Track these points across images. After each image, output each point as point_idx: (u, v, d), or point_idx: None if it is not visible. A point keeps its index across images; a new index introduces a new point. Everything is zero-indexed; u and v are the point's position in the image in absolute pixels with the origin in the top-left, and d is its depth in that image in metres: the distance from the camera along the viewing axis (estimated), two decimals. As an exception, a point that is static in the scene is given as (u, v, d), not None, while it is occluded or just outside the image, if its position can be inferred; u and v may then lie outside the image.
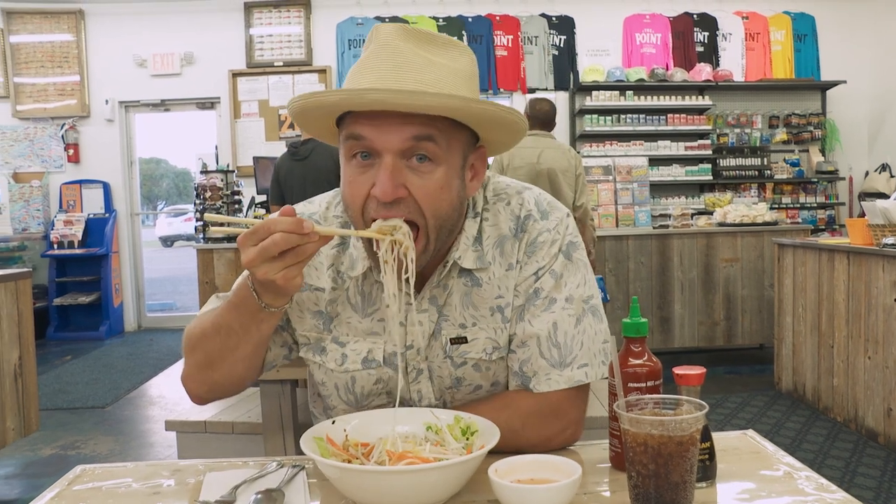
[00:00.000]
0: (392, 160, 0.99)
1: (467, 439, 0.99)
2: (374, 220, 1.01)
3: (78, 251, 7.20)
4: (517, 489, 0.86)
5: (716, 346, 5.44)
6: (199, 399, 1.17)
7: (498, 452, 0.95)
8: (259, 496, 0.91)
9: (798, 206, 7.50)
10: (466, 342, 1.14)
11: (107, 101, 7.50)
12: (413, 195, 1.01)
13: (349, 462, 0.94)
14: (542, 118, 4.40)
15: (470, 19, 7.52)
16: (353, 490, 0.89)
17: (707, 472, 0.97)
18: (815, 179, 7.56)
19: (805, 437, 3.77)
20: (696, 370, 0.99)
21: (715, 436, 1.14)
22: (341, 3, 7.53)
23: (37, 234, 7.45)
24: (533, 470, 0.92)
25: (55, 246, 7.21)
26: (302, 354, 1.21)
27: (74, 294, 7.32)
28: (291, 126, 7.56)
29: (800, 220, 7.36)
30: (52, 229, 7.27)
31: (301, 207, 1.24)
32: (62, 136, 7.52)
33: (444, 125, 1.01)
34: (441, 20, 7.51)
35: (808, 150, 7.66)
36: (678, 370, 0.99)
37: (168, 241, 22.72)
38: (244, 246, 0.94)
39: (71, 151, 7.51)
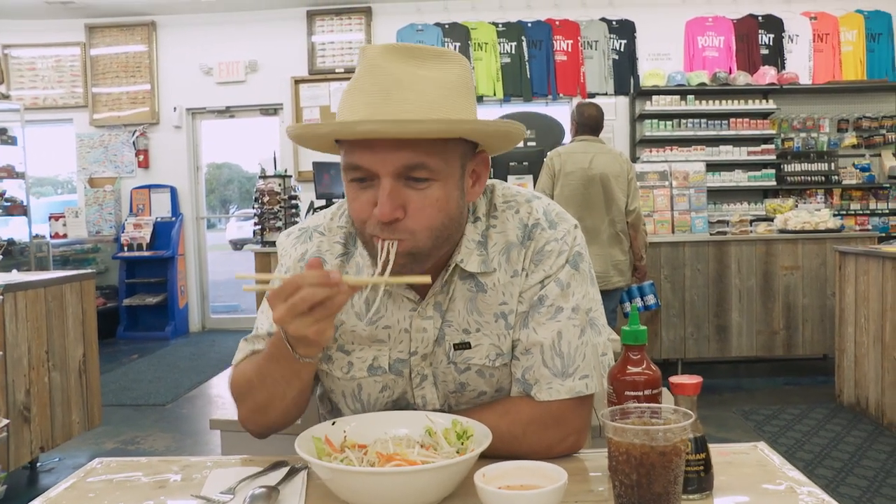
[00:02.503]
0: (390, 183, 1.01)
1: (462, 443, 1.01)
2: (377, 238, 1.04)
3: (146, 253, 7.47)
4: (501, 495, 0.87)
5: (775, 355, 5.29)
6: (261, 436, 1.22)
7: (499, 458, 0.96)
8: (255, 493, 0.95)
9: (868, 212, 7.22)
10: (470, 347, 1.15)
11: (175, 109, 7.77)
12: (409, 214, 1.03)
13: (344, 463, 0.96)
14: (591, 124, 4.36)
15: (529, 24, 7.51)
16: (344, 491, 0.92)
17: (702, 483, 0.96)
18: (888, 185, 7.26)
19: (866, 454, 3.63)
20: (692, 379, 0.98)
21: (724, 447, 1.13)
22: (401, 10, 7.62)
23: (109, 236, 7.77)
24: (521, 476, 0.93)
25: (125, 248, 7.51)
26: None
27: (142, 295, 7.60)
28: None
29: (870, 226, 7.09)
30: (123, 232, 7.57)
31: (308, 221, 1.28)
32: (133, 143, 7.83)
33: (436, 143, 1.02)
34: (500, 26, 7.52)
35: (880, 155, 7.36)
36: (674, 379, 0.98)
37: (238, 245, 23.28)
38: (274, 303, 0.95)
39: (141, 157, 7.81)
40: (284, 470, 1.05)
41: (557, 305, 1.14)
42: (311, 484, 1.01)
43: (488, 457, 0.96)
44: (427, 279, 1.01)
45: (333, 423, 1.06)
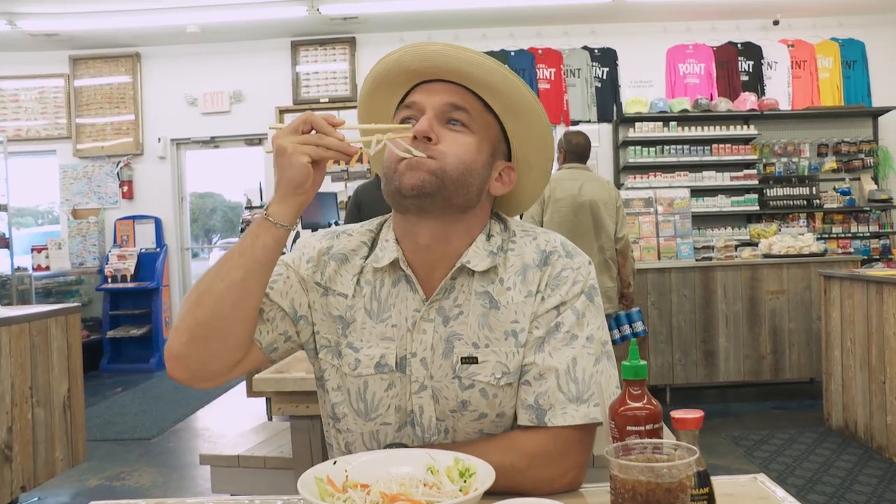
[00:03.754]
0: (432, 112, 1.14)
1: (465, 482, 1.00)
2: (403, 160, 1.13)
3: (130, 285, 7.41)
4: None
5: (762, 380, 5.31)
6: (193, 381, 1.17)
7: (499, 493, 0.96)
8: (256, 536, 0.93)
9: (850, 235, 7.31)
10: (477, 363, 1.16)
11: (159, 139, 7.76)
12: (442, 141, 1.14)
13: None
14: (579, 151, 4.42)
15: (513, 53, 7.59)
16: (347, 532, 0.91)
17: (706, 518, 0.96)
18: (868, 208, 7.36)
19: (857, 479, 3.64)
20: (694, 413, 0.98)
21: (723, 479, 1.13)
22: (385, 41, 7.67)
23: (92, 268, 7.70)
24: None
25: (109, 280, 7.44)
26: (321, 357, 1.24)
27: (126, 327, 7.52)
28: (336, 161, 7.66)
29: (852, 249, 7.17)
30: (107, 263, 7.51)
31: (337, 227, 1.33)
32: (117, 174, 7.80)
33: (479, 107, 1.17)
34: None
35: (859, 179, 7.48)
36: (676, 414, 0.98)
37: (221, 274, 23.11)
38: (287, 131, 1.09)
39: (125, 188, 7.77)
40: (284, 511, 1.04)
41: (573, 333, 1.16)
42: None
43: (490, 492, 0.95)
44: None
45: (335, 463, 1.05)
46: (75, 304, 3.77)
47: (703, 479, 0.96)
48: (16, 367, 3.16)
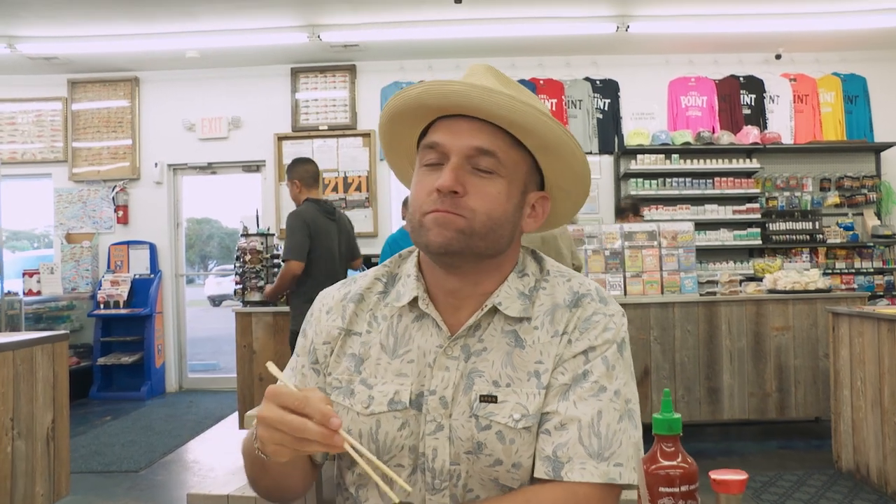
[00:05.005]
0: (458, 160, 1.07)
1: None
2: (430, 214, 1.07)
3: (123, 311, 7.28)
4: None
5: (768, 418, 5.18)
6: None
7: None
8: None
9: (853, 271, 7.22)
10: (496, 402, 1.10)
11: (156, 165, 7.68)
12: (469, 193, 1.07)
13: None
14: None
15: (513, 83, 7.54)
16: None
17: None
18: (871, 244, 7.29)
19: (869, 523, 3.50)
20: (738, 476, 0.87)
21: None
22: (385, 69, 7.65)
23: (85, 293, 7.58)
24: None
25: (101, 306, 7.31)
26: (332, 399, 1.18)
27: (118, 354, 7.38)
28: (335, 189, 7.63)
29: (855, 285, 7.08)
30: (100, 289, 7.38)
31: (350, 283, 1.28)
32: (113, 198, 7.70)
33: (509, 142, 1.09)
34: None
35: (862, 214, 7.41)
36: (716, 475, 0.87)
37: (216, 301, 22.99)
38: (269, 400, 0.95)
39: (120, 213, 7.67)
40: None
41: (602, 385, 1.10)
42: None
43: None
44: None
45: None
46: (62, 332, 3.64)
47: (748, 551, 0.85)
48: (-3, 398, 3.03)
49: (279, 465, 1.04)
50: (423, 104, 1.11)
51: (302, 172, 4.66)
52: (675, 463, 0.91)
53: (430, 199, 1.08)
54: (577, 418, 1.07)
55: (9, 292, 6.86)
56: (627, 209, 6.09)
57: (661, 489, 0.90)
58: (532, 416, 1.09)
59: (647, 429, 0.96)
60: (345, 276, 4.66)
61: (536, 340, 1.13)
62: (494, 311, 1.14)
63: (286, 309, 5.19)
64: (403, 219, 5.07)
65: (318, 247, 4.49)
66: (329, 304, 1.23)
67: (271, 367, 1.04)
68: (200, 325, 12.49)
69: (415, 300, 1.16)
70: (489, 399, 1.10)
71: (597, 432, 1.06)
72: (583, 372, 1.10)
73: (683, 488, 0.90)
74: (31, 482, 3.27)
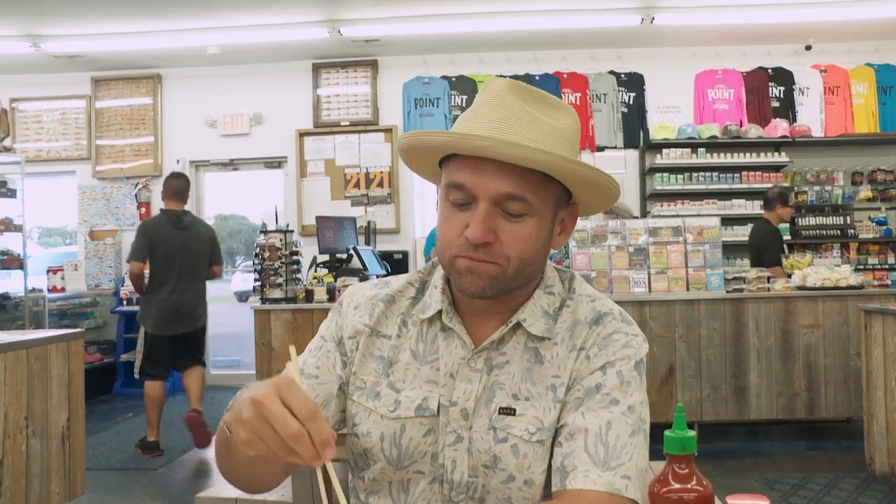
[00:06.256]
0: (487, 207, 1.03)
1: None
2: (462, 259, 1.06)
3: (145, 308, 7.28)
4: None
5: (796, 418, 5.03)
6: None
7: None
8: None
9: (886, 267, 7.02)
10: (514, 415, 1.09)
11: (178, 161, 7.69)
12: (501, 240, 1.05)
13: None
14: None
15: (537, 77, 7.45)
16: None
17: None
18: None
19: (904, 530, 3.37)
20: (757, 501, 0.79)
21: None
22: (408, 63, 7.58)
23: (108, 290, 7.61)
24: None
25: (124, 302, 7.33)
26: (355, 399, 1.16)
27: (141, 350, 7.40)
28: (357, 185, 7.58)
29: (889, 281, 6.89)
30: (122, 286, 7.40)
31: (377, 288, 1.25)
32: (135, 195, 7.73)
33: (537, 179, 1.04)
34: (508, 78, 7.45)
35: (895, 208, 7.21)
36: (734, 501, 0.79)
37: (243, 297, 23.13)
38: (277, 390, 0.84)
39: (143, 210, 7.70)
40: None
41: (613, 397, 1.07)
42: None
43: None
44: None
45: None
46: (78, 330, 3.63)
47: (769, 586, 0.77)
48: (10, 397, 3.01)
49: (244, 453, 0.93)
50: (447, 149, 1.08)
51: (165, 186, 5.24)
52: (688, 486, 0.83)
53: (460, 242, 1.06)
54: (585, 428, 1.05)
55: (33, 289, 6.91)
56: (775, 199, 5.84)
57: (674, 514, 0.82)
58: (546, 429, 1.08)
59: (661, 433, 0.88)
60: (192, 280, 5.16)
61: (555, 356, 1.12)
62: (518, 325, 1.13)
63: (307, 306, 5.17)
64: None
65: (156, 252, 5.02)
66: (358, 300, 1.22)
67: (293, 354, 0.94)
68: (226, 321, 12.52)
69: (439, 313, 1.15)
70: (508, 412, 1.10)
71: (604, 442, 1.03)
72: (596, 385, 1.09)
73: (697, 513, 0.82)
74: (46, 481, 3.25)
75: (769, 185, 6.95)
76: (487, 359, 1.12)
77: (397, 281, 1.24)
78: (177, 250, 5.05)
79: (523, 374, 1.11)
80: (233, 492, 2.50)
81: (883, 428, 4.10)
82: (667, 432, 0.85)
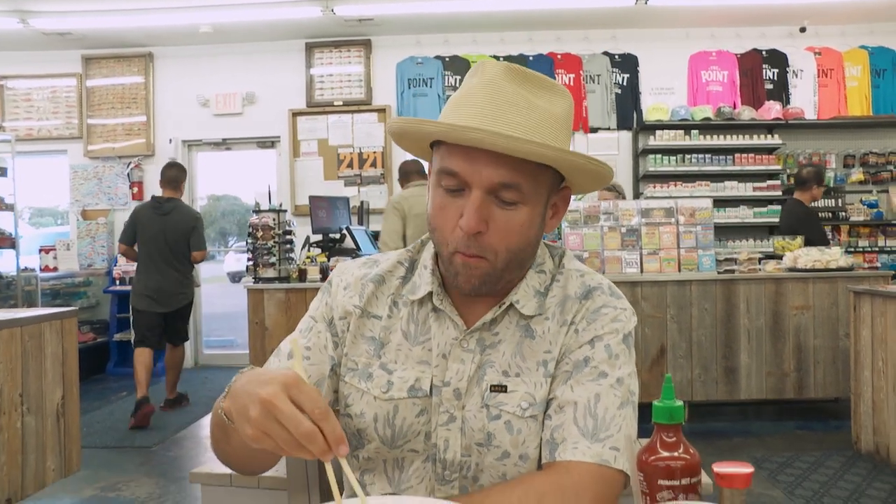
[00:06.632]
0: (480, 195, 1.02)
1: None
2: (457, 255, 1.05)
3: (138, 287, 7.28)
4: None
5: (785, 398, 5.09)
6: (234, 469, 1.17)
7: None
8: None
9: (877, 249, 7.07)
10: (506, 392, 1.09)
11: (170, 141, 7.65)
12: (491, 230, 1.03)
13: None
14: (418, 169, 5.16)
15: (531, 58, 7.43)
16: None
17: None
18: (896, 221, 7.13)
19: (889, 507, 3.43)
20: (743, 469, 0.80)
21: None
22: (401, 43, 7.55)
23: (101, 270, 7.60)
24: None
25: (117, 282, 7.33)
26: (347, 381, 1.16)
27: (134, 330, 7.41)
28: (350, 165, 7.57)
29: (879, 264, 6.94)
30: (115, 265, 7.40)
31: (375, 255, 1.26)
32: (128, 175, 7.70)
33: (532, 168, 1.02)
34: (501, 59, 7.44)
35: (887, 191, 7.23)
36: (719, 468, 0.81)
37: (236, 277, 23.09)
38: (285, 388, 0.83)
39: (136, 189, 7.67)
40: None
41: (602, 370, 1.09)
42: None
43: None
44: None
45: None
46: (71, 309, 3.64)
47: (753, 549, 0.79)
48: (4, 374, 3.02)
49: (242, 441, 0.93)
50: (437, 137, 1.07)
51: (161, 174, 5.71)
52: (676, 454, 0.85)
53: (454, 235, 1.05)
54: (574, 401, 1.06)
55: (25, 268, 6.89)
56: (811, 178, 5.75)
57: (661, 482, 0.84)
58: (539, 404, 1.09)
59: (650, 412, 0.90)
60: (170, 263, 5.47)
61: (546, 331, 1.12)
62: (511, 306, 1.13)
63: (300, 285, 5.19)
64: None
65: (140, 235, 5.46)
66: (348, 280, 1.20)
67: (297, 350, 0.92)
68: (219, 301, 12.55)
69: (430, 294, 1.14)
70: (500, 389, 1.10)
71: (593, 414, 1.05)
72: (584, 358, 1.09)
73: (684, 481, 0.84)
74: (41, 457, 3.27)
75: (762, 168, 6.98)
76: (480, 339, 1.12)
77: (386, 260, 1.23)
78: (156, 235, 5.43)
79: (514, 350, 1.12)
80: (227, 468, 2.52)
81: (869, 407, 4.16)
82: (655, 402, 0.87)
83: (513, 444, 1.08)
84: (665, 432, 0.86)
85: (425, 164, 1.25)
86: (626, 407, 1.07)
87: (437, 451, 1.11)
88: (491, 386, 1.10)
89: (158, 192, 7.58)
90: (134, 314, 5.61)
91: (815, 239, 5.49)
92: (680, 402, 0.87)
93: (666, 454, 0.85)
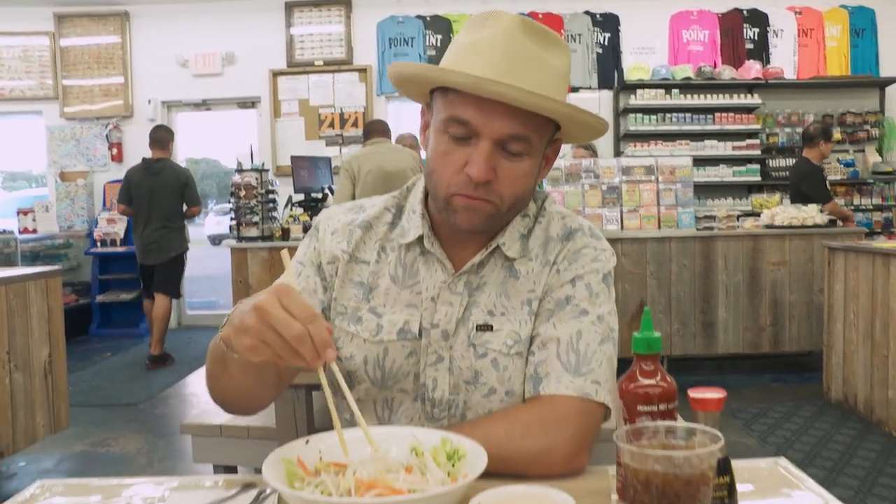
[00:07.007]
0: (489, 146, 1.04)
1: (453, 465, 0.89)
2: (459, 196, 1.07)
3: (120, 249, 7.27)
4: (500, 528, 0.75)
5: (762, 352, 5.21)
6: (227, 410, 1.20)
7: (493, 476, 0.86)
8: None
9: (852, 207, 7.18)
10: (491, 330, 1.14)
11: (149, 101, 7.57)
12: (499, 179, 1.06)
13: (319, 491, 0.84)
14: (380, 129, 5.20)
15: (511, 17, 7.37)
16: (319, 522, 0.80)
17: (726, 510, 0.85)
18: (871, 180, 7.23)
19: (856, 453, 3.56)
20: (716, 393, 0.86)
21: (742, 463, 1.02)
22: (382, 2, 7.47)
23: (81, 231, 7.56)
24: (520, 502, 0.81)
25: (98, 244, 7.30)
26: (336, 324, 1.19)
27: (116, 291, 7.41)
28: (331, 125, 7.53)
29: (854, 222, 7.05)
30: (96, 227, 7.36)
31: (360, 200, 1.28)
32: (106, 136, 7.62)
33: (539, 121, 1.06)
34: (482, 18, 7.39)
35: (863, 150, 7.34)
36: (694, 393, 0.87)
37: (216, 240, 22.97)
38: (276, 295, 0.87)
39: (115, 151, 7.60)
40: (253, 493, 0.93)
41: (583, 308, 1.13)
42: (282, 511, 0.89)
43: (485, 473, 0.85)
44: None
45: (307, 442, 0.93)
46: (56, 268, 3.64)
47: (724, 466, 0.85)
48: (-8, 332, 3.04)
49: (240, 366, 0.99)
50: (450, 84, 1.06)
51: (149, 136, 5.94)
52: (653, 382, 0.90)
53: (458, 179, 1.06)
54: (557, 337, 1.11)
55: (3, 231, 6.84)
56: (818, 135, 5.69)
57: (640, 408, 0.89)
58: (523, 341, 1.13)
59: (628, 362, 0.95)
60: (161, 220, 5.71)
61: (530, 271, 1.16)
62: (497, 248, 1.16)
63: (283, 244, 5.22)
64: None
65: (134, 196, 5.74)
66: (335, 225, 1.22)
67: (286, 260, 0.97)
68: (199, 265, 12.47)
69: (420, 238, 1.17)
70: (485, 328, 1.13)
71: (575, 349, 1.10)
72: (566, 297, 1.14)
73: (662, 407, 0.89)
74: (31, 413, 3.31)
75: (741, 127, 7.04)
76: (467, 282, 1.15)
77: (372, 206, 1.24)
78: (146, 194, 5.71)
79: (498, 290, 1.15)
80: (217, 419, 2.57)
81: (840, 359, 4.28)
82: (634, 333, 0.92)
83: (499, 380, 1.12)
84: (644, 361, 0.91)
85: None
86: (607, 343, 1.12)
87: (426, 391, 1.14)
88: (477, 325, 1.14)
89: (138, 152, 7.55)
90: (138, 268, 6.05)
91: (816, 196, 5.53)
92: (658, 334, 0.92)
93: (645, 382, 0.90)
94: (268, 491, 0.93)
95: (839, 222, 5.25)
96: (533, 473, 0.99)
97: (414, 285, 1.17)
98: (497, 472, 0.91)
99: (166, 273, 5.85)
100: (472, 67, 1.02)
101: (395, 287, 1.17)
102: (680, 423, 0.82)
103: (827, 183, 5.81)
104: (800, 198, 5.59)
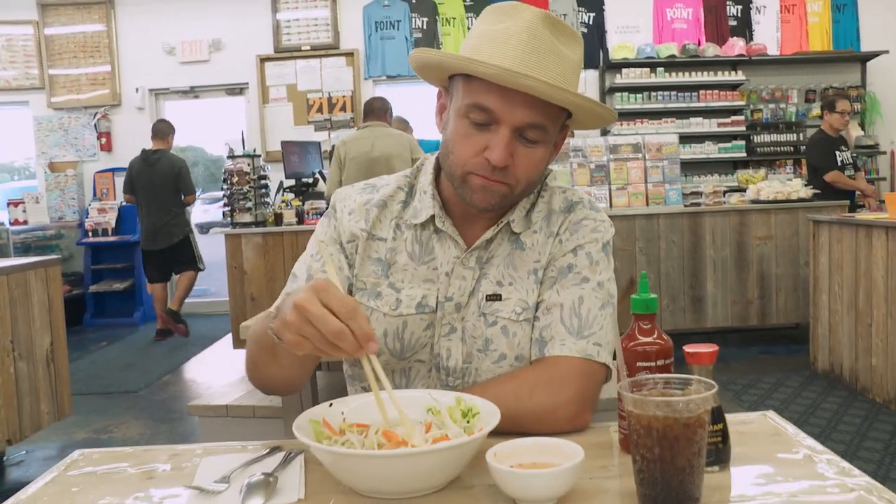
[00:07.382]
0: (509, 133, 1.10)
1: (468, 422, 0.96)
2: (476, 176, 1.13)
3: (111, 238, 7.29)
4: (516, 474, 0.82)
5: (750, 325, 5.33)
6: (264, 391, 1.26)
7: (502, 433, 0.92)
8: (252, 481, 0.89)
9: (836, 181, 7.29)
10: (500, 300, 1.21)
11: (137, 90, 7.56)
12: (516, 164, 1.12)
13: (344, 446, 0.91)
14: (375, 112, 5.11)
15: (497, -2, 7.40)
16: (347, 475, 0.87)
17: (720, 455, 0.93)
18: (855, 154, 7.33)
19: (842, 419, 3.67)
20: (708, 348, 0.94)
21: (733, 417, 1.10)
22: (367, -14, 7.48)
23: (72, 222, 7.57)
24: (534, 454, 0.88)
25: (90, 234, 7.32)
26: (357, 300, 1.23)
27: (109, 281, 7.43)
28: (319, 110, 7.55)
29: (874, 196, 7.15)
30: (87, 217, 7.37)
31: (373, 180, 1.33)
32: (95, 125, 7.61)
33: (556, 111, 1.12)
34: (468, 0, 7.42)
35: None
36: (689, 348, 0.94)
37: (204, 228, 22.90)
38: (315, 293, 0.89)
39: (103, 140, 7.60)
40: (280, 455, 0.99)
41: (584, 276, 1.20)
42: (309, 469, 0.95)
43: (495, 432, 0.91)
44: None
45: (331, 405, 1.00)
46: (55, 257, 3.68)
47: (718, 415, 0.92)
48: (-4, 321, 3.09)
49: (290, 356, 1.05)
50: (483, 75, 1.09)
51: (151, 129, 6.41)
52: (651, 339, 0.97)
53: (477, 161, 1.12)
54: (560, 303, 1.18)
55: (-5, 222, 6.85)
56: (825, 107, 5.82)
57: (639, 364, 0.97)
58: (531, 309, 1.21)
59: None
60: (160, 207, 6.17)
61: (535, 243, 1.23)
62: (506, 224, 1.23)
63: (277, 229, 5.26)
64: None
65: (135, 185, 6.22)
66: (351, 206, 1.28)
67: (328, 258, 1.03)
68: (190, 253, 12.49)
69: (432, 217, 1.23)
70: (495, 297, 1.21)
71: (577, 314, 1.17)
72: (568, 265, 1.21)
73: (659, 362, 0.97)
74: (35, 401, 3.36)
75: (726, 104, 7.12)
76: (479, 257, 1.22)
77: (385, 185, 1.30)
78: (145, 184, 6.16)
79: (506, 261, 1.22)
80: (223, 399, 2.64)
81: (826, 329, 4.39)
82: (633, 296, 1.00)
83: (509, 346, 1.20)
84: (642, 321, 0.98)
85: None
86: (607, 308, 1.19)
87: (441, 360, 1.22)
88: (487, 296, 1.21)
89: (127, 141, 7.57)
90: (143, 255, 6.45)
91: (820, 166, 5.60)
92: (654, 295, 0.99)
93: (643, 339, 0.97)
94: (294, 452, 1.00)
95: (858, 197, 5.36)
96: (540, 431, 1.05)
97: (430, 261, 1.23)
98: (506, 431, 0.96)
99: (178, 255, 6.32)
100: (496, 58, 1.07)
101: (412, 263, 1.23)
102: (677, 375, 0.89)
103: (837, 153, 5.75)
104: (809, 168, 5.72)
